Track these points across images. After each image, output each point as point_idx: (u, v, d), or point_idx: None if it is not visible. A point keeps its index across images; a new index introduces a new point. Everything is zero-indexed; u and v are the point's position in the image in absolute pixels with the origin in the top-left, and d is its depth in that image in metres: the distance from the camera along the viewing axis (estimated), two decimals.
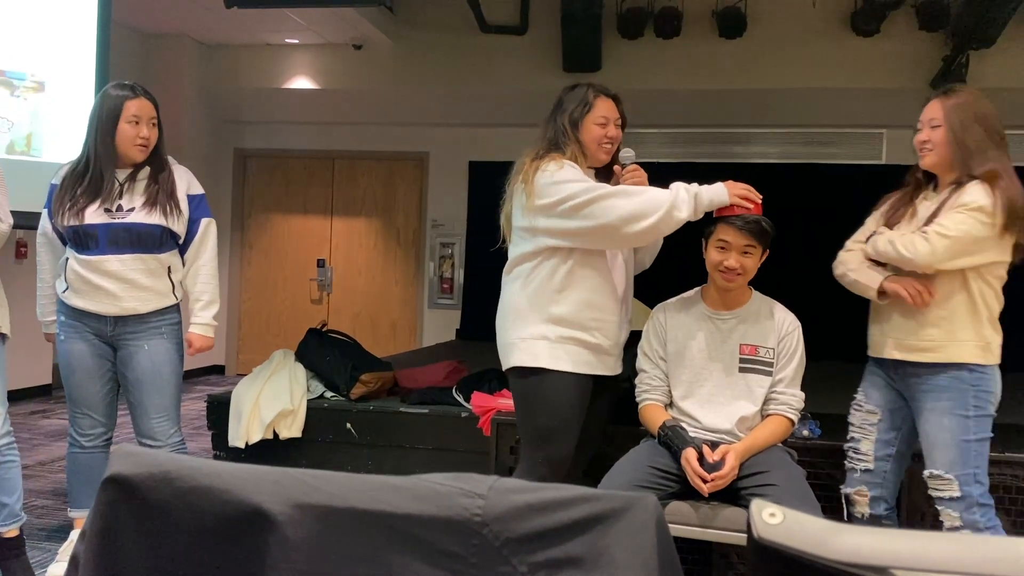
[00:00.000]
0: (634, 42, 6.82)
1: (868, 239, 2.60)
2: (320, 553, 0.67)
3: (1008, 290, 2.50)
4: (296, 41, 7.43)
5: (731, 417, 2.56)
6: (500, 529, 0.66)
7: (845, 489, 2.68)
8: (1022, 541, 0.57)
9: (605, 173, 2.75)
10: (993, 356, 2.46)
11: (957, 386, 2.43)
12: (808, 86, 6.71)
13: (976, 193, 2.37)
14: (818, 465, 3.03)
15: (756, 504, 0.60)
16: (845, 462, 2.70)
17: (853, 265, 2.61)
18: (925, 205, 2.53)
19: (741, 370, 2.59)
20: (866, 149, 7.27)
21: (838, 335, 6.80)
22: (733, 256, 2.52)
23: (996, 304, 2.48)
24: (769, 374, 2.59)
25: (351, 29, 6.93)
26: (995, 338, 2.47)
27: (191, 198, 3.08)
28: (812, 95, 6.82)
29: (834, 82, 6.67)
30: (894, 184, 2.72)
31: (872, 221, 2.67)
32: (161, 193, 2.96)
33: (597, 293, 2.63)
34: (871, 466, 2.61)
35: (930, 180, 2.58)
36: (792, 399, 2.60)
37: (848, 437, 2.70)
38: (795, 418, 2.61)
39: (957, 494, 2.41)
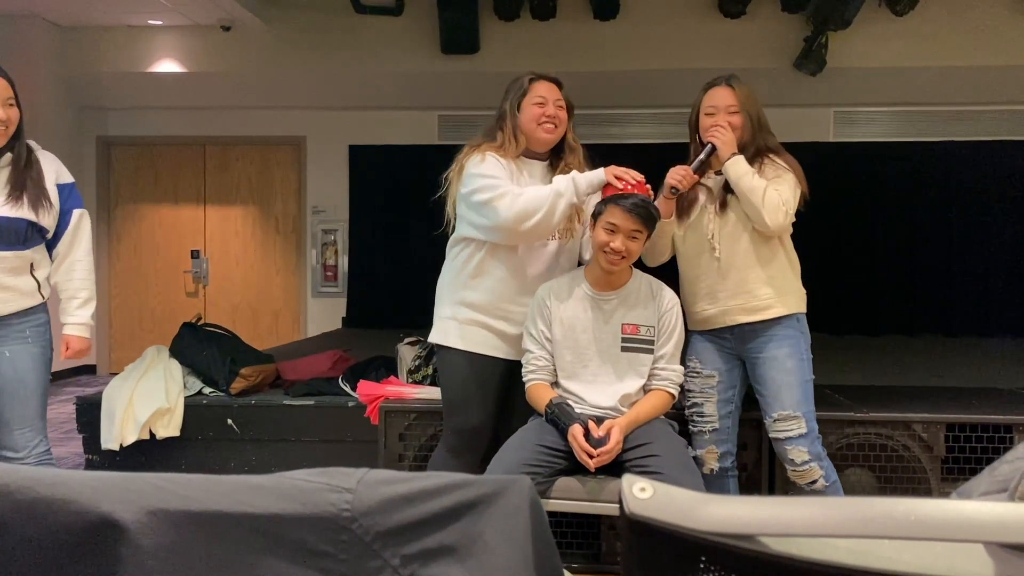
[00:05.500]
0: (511, 23, 6.82)
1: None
2: (177, 560, 0.63)
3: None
4: (160, 23, 7.08)
5: (615, 395, 2.61)
6: (370, 523, 0.64)
7: (694, 452, 2.79)
8: (882, 501, 0.59)
9: (549, 160, 2.83)
10: (805, 306, 2.78)
11: (793, 334, 2.70)
12: (679, 67, 6.88)
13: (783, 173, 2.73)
14: None
15: (627, 479, 0.60)
16: (689, 426, 2.83)
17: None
18: (715, 179, 2.81)
19: (624, 349, 2.64)
20: None
21: None
22: (620, 238, 2.56)
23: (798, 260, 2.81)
24: (650, 352, 2.65)
25: (219, 10, 6.66)
26: (804, 290, 2.80)
27: (61, 187, 2.85)
28: (683, 76, 6.95)
29: (703, 63, 6.85)
30: None
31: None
32: (29, 184, 2.73)
33: (505, 284, 2.74)
34: (717, 425, 2.80)
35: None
36: (672, 374, 2.67)
37: (689, 403, 2.85)
38: (675, 392, 2.69)
39: (804, 430, 2.64)
